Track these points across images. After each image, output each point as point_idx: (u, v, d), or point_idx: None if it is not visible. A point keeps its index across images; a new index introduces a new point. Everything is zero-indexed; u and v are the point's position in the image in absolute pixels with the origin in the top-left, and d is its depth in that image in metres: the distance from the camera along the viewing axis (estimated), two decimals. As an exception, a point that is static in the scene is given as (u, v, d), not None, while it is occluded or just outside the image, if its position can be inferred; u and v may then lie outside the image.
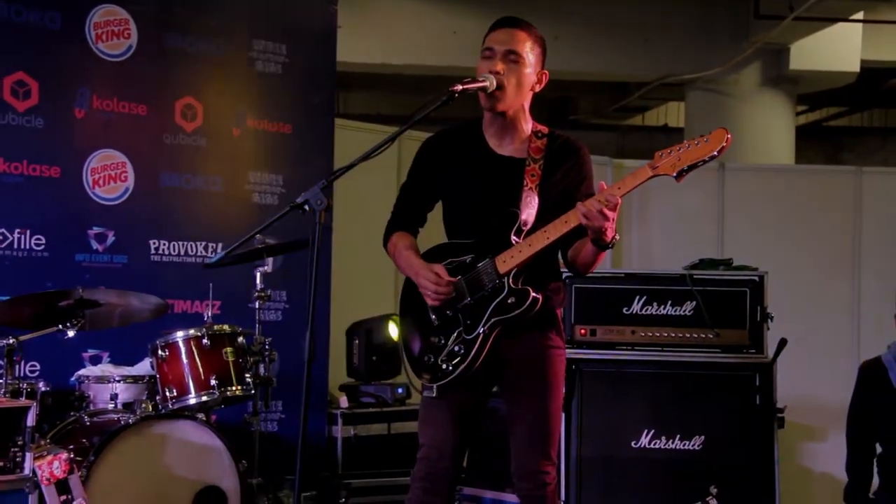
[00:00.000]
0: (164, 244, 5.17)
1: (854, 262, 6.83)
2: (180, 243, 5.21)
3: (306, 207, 3.03)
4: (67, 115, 4.92)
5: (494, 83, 3.24)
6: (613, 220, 3.05)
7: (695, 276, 4.96)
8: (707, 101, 10.38)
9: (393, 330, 5.71)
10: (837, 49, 10.07)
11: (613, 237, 3.10)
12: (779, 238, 6.65)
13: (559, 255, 3.40)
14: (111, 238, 5.01)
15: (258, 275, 4.28)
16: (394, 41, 9.82)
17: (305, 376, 3.08)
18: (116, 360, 4.76)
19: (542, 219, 3.26)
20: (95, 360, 4.84)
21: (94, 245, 4.98)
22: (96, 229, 4.98)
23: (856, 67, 10.20)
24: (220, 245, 5.28)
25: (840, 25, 9.51)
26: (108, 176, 5.01)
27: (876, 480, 4.77)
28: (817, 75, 10.34)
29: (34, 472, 3.39)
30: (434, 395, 3.32)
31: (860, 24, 9.83)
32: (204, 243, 5.27)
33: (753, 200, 6.90)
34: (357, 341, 5.71)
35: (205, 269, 4.91)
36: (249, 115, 5.43)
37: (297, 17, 5.63)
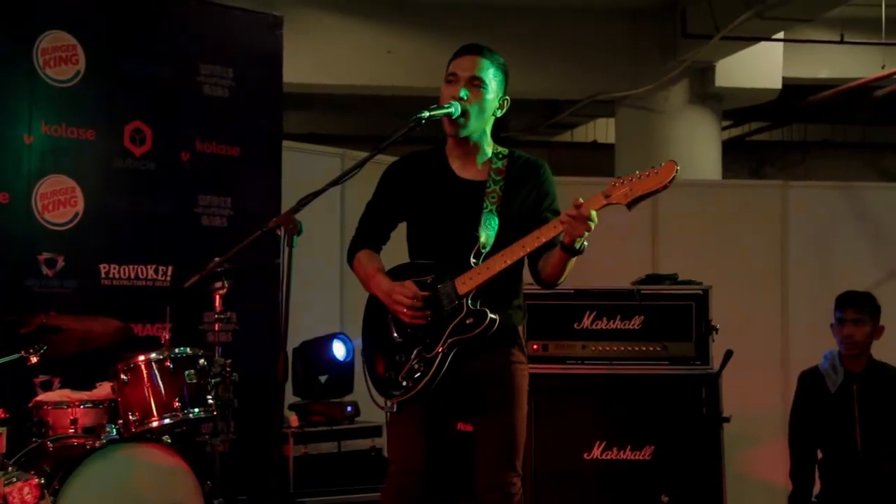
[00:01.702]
0: (115, 268, 5.16)
1: (782, 275, 7.01)
2: (131, 267, 5.20)
3: (279, 231, 3.08)
4: (16, 141, 4.92)
5: (459, 109, 3.35)
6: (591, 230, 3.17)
7: (643, 292, 5.12)
8: (636, 118, 10.57)
9: (338, 349, 5.77)
10: (760, 66, 10.35)
11: (583, 245, 3.22)
12: (709, 252, 6.77)
13: (522, 275, 3.51)
14: (61, 263, 5.00)
15: (217, 297, 4.31)
16: (330, 61, 9.88)
17: (277, 396, 3.15)
18: (68, 385, 4.74)
19: (502, 240, 3.37)
20: (46, 386, 4.81)
21: (44, 270, 4.96)
22: (46, 254, 4.96)
23: (778, 84, 10.50)
24: (170, 268, 5.29)
25: (762, 44, 9.79)
26: (58, 201, 5.00)
27: (818, 485, 4.96)
28: (741, 92, 10.61)
29: (5, 498, 3.38)
30: (395, 411, 3.41)
31: (781, 43, 10.13)
32: (154, 266, 5.27)
33: (684, 215, 7.03)
34: (303, 361, 5.77)
35: (157, 293, 4.96)
36: (198, 139, 5.45)
37: (244, 41, 5.65)
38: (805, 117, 13.99)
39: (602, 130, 14.48)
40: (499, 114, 3.51)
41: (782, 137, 15.28)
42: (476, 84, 3.39)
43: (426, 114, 3.28)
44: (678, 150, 10.08)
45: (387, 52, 9.86)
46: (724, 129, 12.07)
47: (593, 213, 3.14)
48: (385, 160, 3.72)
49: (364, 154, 3.44)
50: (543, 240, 3.27)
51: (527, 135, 14.22)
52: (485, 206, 3.42)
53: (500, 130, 13.74)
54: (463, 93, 3.37)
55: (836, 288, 5.22)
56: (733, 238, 6.96)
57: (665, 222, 7.00)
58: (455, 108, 3.34)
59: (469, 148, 3.49)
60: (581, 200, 3.15)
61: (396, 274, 3.49)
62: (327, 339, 5.81)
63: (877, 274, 6.83)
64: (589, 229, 3.16)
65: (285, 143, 5.90)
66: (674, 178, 3.10)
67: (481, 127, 3.46)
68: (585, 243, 3.23)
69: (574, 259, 3.30)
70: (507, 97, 3.52)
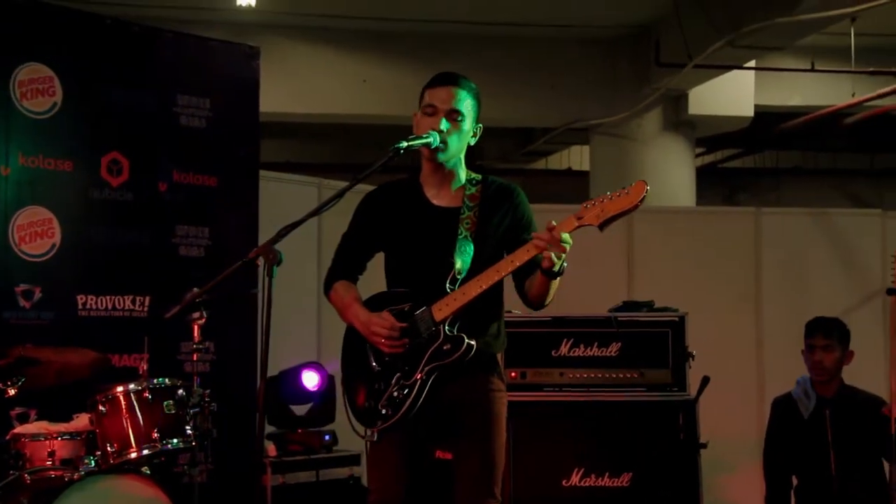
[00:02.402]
0: (92, 299, 5.15)
1: (756, 300, 7.06)
2: (108, 297, 5.19)
3: (259, 262, 3.10)
4: (-8, 174, 4.92)
5: (438, 139, 3.39)
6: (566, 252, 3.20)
7: (619, 319, 5.15)
8: (611, 145, 10.65)
9: (309, 379, 5.78)
10: (733, 94, 10.45)
11: (562, 265, 3.25)
12: (684, 278, 6.81)
13: (501, 302, 3.54)
14: (38, 294, 4.98)
15: (196, 328, 4.31)
16: (304, 90, 9.94)
17: (258, 426, 3.17)
18: (45, 417, 4.71)
19: (478, 266, 3.40)
20: (23, 419, 4.78)
21: (21, 302, 4.94)
22: (23, 286, 4.95)
23: (750, 112, 10.60)
24: (147, 298, 5.29)
25: (735, 73, 9.88)
26: (35, 232, 4.99)
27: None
28: (714, 120, 10.70)
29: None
30: (375, 439, 3.43)
31: (753, 72, 10.24)
32: (132, 297, 5.26)
33: (659, 242, 7.07)
34: (276, 391, 5.78)
35: (134, 323, 4.94)
36: (175, 169, 5.46)
37: (221, 72, 5.68)
38: (777, 144, 14.11)
39: (577, 158, 14.55)
40: (472, 141, 3.56)
41: (755, 164, 15.40)
42: (454, 117, 3.44)
43: (405, 144, 3.32)
44: (652, 177, 10.00)
45: (362, 82, 9.91)
46: (697, 156, 12.18)
47: (566, 235, 3.17)
48: (363, 189, 3.75)
49: (341, 183, 3.46)
50: (518, 263, 3.29)
51: (501, 162, 14.27)
52: (459, 232, 3.46)
53: (475, 158, 13.90)
54: (444, 125, 3.41)
55: (810, 313, 5.28)
56: (708, 264, 7.00)
57: (640, 249, 7.04)
58: (434, 139, 3.38)
59: (444, 175, 3.53)
60: (554, 223, 3.19)
61: (373, 303, 3.51)
62: (299, 369, 5.83)
63: (849, 299, 6.90)
64: (563, 251, 3.19)
65: (262, 172, 5.93)
66: (644, 197, 3.13)
67: (458, 154, 3.52)
68: (565, 264, 3.26)
69: (557, 280, 3.33)
70: (481, 124, 3.57)
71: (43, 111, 5.04)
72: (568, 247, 3.19)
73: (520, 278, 3.44)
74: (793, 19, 7.96)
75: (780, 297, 7.00)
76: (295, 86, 9.83)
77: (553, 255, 3.19)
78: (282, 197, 6.04)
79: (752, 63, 9.90)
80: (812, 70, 9.90)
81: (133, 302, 5.27)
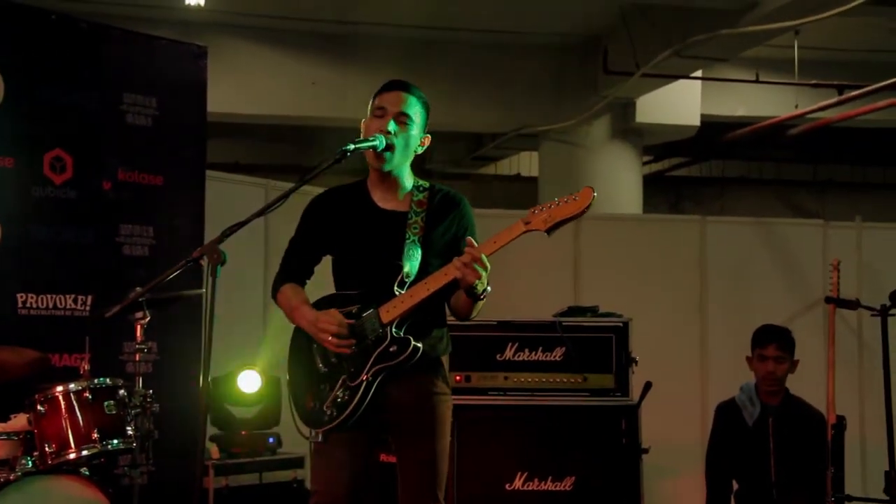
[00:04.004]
0: (33, 297, 5.07)
1: (701, 308, 7.14)
2: (49, 296, 5.11)
3: (202, 262, 3.08)
4: (-69, 168, 4.83)
5: (384, 143, 3.40)
6: (486, 272, 3.23)
7: (564, 324, 5.18)
8: (559, 151, 10.73)
9: (246, 382, 5.76)
10: (680, 104, 10.57)
11: (485, 289, 3.29)
12: (630, 285, 6.85)
13: (445, 306, 3.55)
14: (-24, 293, 4.90)
15: (139, 328, 4.27)
16: (253, 91, 9.89)
17: (201, 428, 3.14)
18: (-22, 417, 4.65)
19: (425, 270, 3.42)
20: (-38, 418, 4.71)
21: (-41, 300, 4.86)
22: (-40, 284, 4.87)
23: (696, 121, 10.73)
24: (90, 297, 5.22)
25: (682, 82, 9.99)
26: (-26, 230, 4.91)
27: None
28: (661, 128, 10.83)
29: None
30: (320, 440, 3.44)
31: (700, 82, 10.37)
32: (74, 296, 5.19)
33: (605, 248, 7.12)
34: (219, 393, 5.77)
35: (76, 322, 4.86)
36: (120, 167, 5.39)
37: (168, 71, 5.61)
38: (723, 154, 14.28)
39: (526, 164, 14.63)
40: (420, 150, 3.58)
41: (701, 173, 15.58)
42: (403, 120, 3.46)
43: (351, 146, 3.32)
44: (600, 184, 10.11)
45: (311, 84, 9.89)
46: (644, 164, 12.28)
47: (484, 257, 3.20)
48: (310, 191, 3.74)
49: (289, 185, 3.46)
50: (437, 286, 3.31)
51: (451, 167, 14.31)
52: (407, 236, 3.47)
53: (424, 163, 13.92)
54: (391, 126, 3.42)
55: (753, 321, 5.35)
56: (653, 271, 7.06)
57: (587, 255, 7.09)
58: (380, 142, 3.39)
59: (391, 181, 3.55)
60: (474, 243, 3.22)
61: (321, 305, 3.51)
62: (233, 373, 5.81)
63: (791, 307, 7.00)
64: (478, 277, 3.22)
65: (209, 172, 5.88)
66: (591, 203, 3.18)
67: (405, 161, 3.53)
68: (488, 288, 3.31)
69: (481, 301, 3.37)
70: (429, 135, 3.59)
71: (-16, 106, 4.96)
72: (485, 272, 3.22)
73: (449, 290, 3.42)
74: (737, 31, 8.07)
75: (724, 304, 7.08)
76: (244, 86, 9.76)
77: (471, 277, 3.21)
78: (229, 197, 5.99)
79: (698, 73, 10.01)
80: (757, 81, 10.02)
81: (75, 301, 5.19)
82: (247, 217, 3.19)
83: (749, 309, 6.78)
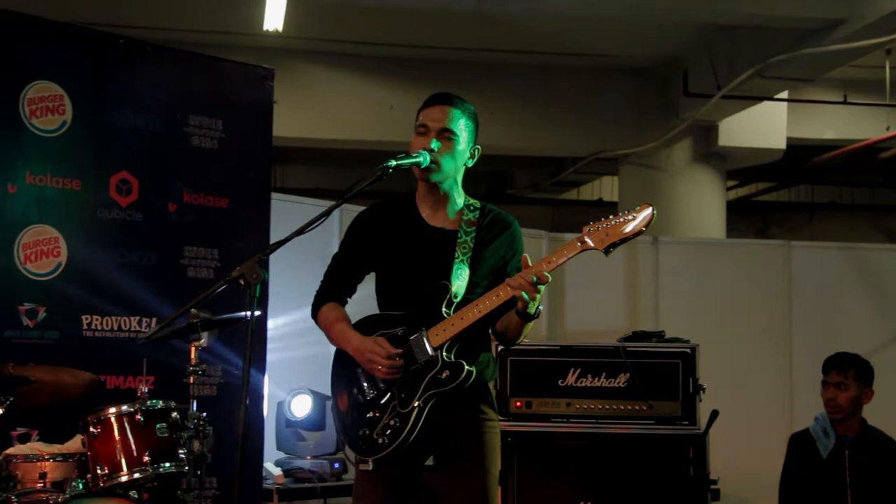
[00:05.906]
0: (98, 319, 5.09)
1: (785, 334, 6.95)
2: (114, 318, 5.14)
3: (241, 281, 3.03)
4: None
5: (428, 159, 3.31)
6: (541, 293, 3.13)
7: (628, 349, 5.03)
8: (640, 175, 10.59)
9: (299, 406, 5.72)
10: (764, 126, 10.33)
11: (538, 309, 3.18)
12: (712, 310, 6.75)
13: (489, 328, 3.44)
14: (42, 314, 4.93)
15: (193, 350, 4.25)
16: (331, 116, 9.94)
17: (239, 451, 3.08)
18: (47, 438, 4.64)
19: (471, 291, 3.33)
20: (24, 439, 4.71)
21: (25, 321, 4.89)
22: (27, 305, 4.90)
23: (782, 145, 10.47)
24: (154, 320, 5.22)
25: (766, 104, 9.77)
26: (41, 251, 4.95)
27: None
28: (745, 152, 10.59)
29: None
30: (370, 468, 3.33)
31: (785, 104, 10.12)
32: (138, 318, 5.20)
33: (686, 273, 7.01)
34: (282, 416, 5.76)
35: (139, 345, 4.87)
36: (186, 189, 5.41)
37: (234, 93, 5.63)
38: (811, 178, 13.93)
39: (608, 188, 14.47)
40: (469, 163, 3.48)
41: (789, 198, 15.22)
42: (446, 136, 3.37)
43: (394, 163, 3.25)
44: (682, 209, 10.08)
45: (389, 108, 9.89)
46: (730, 188, 12.04)
47: (547, 273, 3.11)
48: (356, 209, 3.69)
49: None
50: (497, 302, 3.22)
51: (532, 192, 14.21)
52: (456, 255, 3.37)
53: (505, 187, 13.86)
54: (434, 144, 3.34)
55: (840, 348, 5.14)
56: (736, 296, 6.94)
57: (666, 279, 6.97)
58: (424, 158, 3.32)
59: (439, 197, 3.45)
60: (529, 262, 3.13)
61: (365, 326, 3.42)
62: (290, 396, 5.82)
63: (881, 335, 6.77)
64: (536, 295, 3.13)
65: (275, 195, 5.87)
66: (650, 222, 3.05)
67: (452, 176, 3.43)
68: (541, 307, 3.21)
69: (532, 323, 3.27)
70: (479, 146, 3.49)
71: (52, 129, 5.01)
72: (539, 294, 3.13)
73: (497, 313, 3.32)
74: (821, 49, 7.85)
75: (810, 332, 6.93)
76: (321, 111, 9.84)
77: (527, 297, 3.13)
78: (302, 221, 5.96)
79: (783, 94, 9.77)
80: (844, 102, 9.74)
81: (139, 323, 5.21)
82: (286, 236, 3.14)
83: (836, 336, 6.57)
